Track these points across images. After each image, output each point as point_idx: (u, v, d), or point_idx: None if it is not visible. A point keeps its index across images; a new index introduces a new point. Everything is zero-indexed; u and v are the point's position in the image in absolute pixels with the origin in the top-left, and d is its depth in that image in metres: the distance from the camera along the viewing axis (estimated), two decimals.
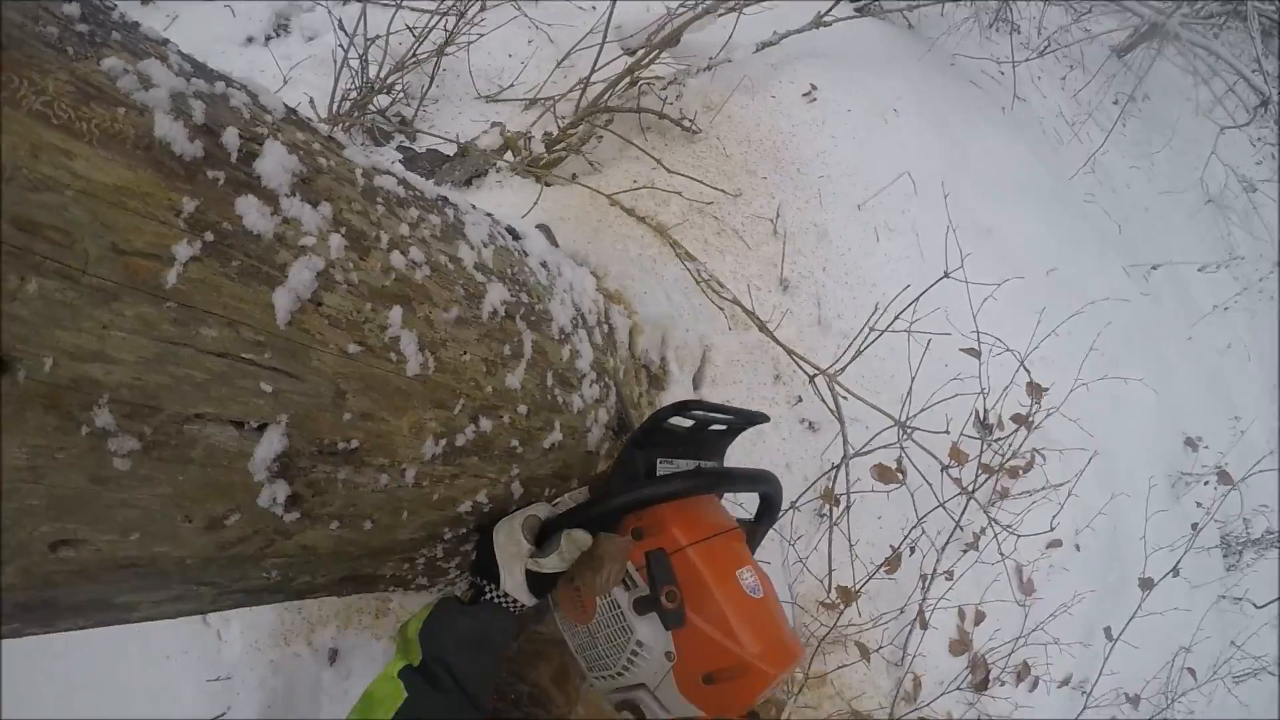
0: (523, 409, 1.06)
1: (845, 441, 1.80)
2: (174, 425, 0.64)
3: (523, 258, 1.20)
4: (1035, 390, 2.07)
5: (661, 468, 1.01)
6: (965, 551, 2.09)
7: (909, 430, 1.78)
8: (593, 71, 2.00)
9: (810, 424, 2.00)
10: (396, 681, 0.86)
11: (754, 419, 1.12)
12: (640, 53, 1.99)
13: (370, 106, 1.93)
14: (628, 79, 2.05)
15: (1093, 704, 2.24)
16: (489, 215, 1.23)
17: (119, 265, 0.56)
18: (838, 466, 1.82)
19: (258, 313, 0.69)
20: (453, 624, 0.93)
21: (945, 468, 1.86)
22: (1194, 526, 2.62)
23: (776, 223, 2.08)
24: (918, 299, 1.77)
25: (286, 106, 0.86)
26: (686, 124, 2.12)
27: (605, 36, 1.95)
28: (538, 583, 0.96)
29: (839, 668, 1.85)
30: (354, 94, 1.91)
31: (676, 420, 1.04)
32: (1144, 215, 3.52)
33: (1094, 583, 2.32)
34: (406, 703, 0.83)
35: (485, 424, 1.00)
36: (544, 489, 1.18)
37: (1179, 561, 2.37)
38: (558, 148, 1.92)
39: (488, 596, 0.96)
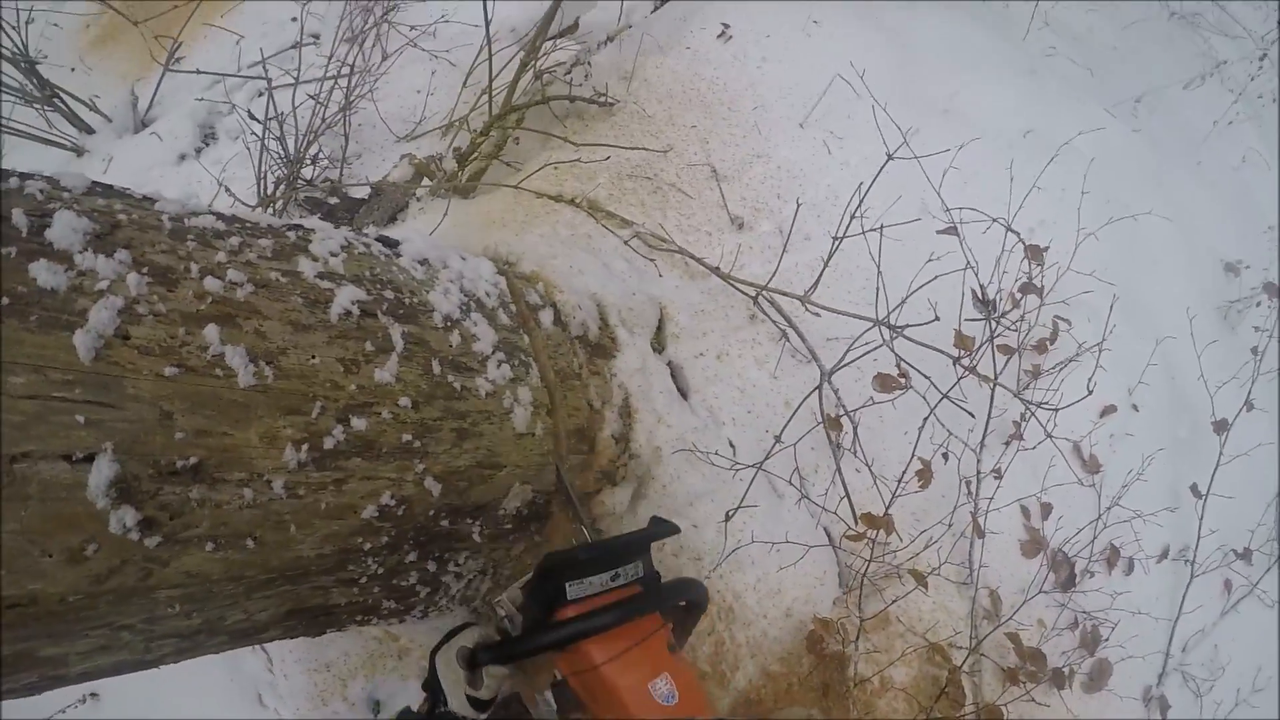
0: (405, 401, 1.04)
1: (816, 359, 1.70)
2: (3, 467, 0.69)
3: (389, 260, 1.19)
4: (1034, 252, 1.88)
5: (571, 590, 1.01)
6: (1008, 444, 1.91)
7: (897, 329, 1.64)
8: (491, 81, 2.01)
9: (800, 355, 1.90)
10: None
11: (652, 536, 1.13)
12: (531, 46, 1.97)
13: (299, 181, 2.00)
14: (531, 73, 2.04)
15: (1200, 571, 1.98)
16: (355, 232, 1.23)
17: None
18: (817, 387, 1.71)
19: (62, 355, 0.76)
20: None
21: (956, 359, 1.71)
22: (1254, 351, 2.32)
23: (715, 165, 2.01)
24: (867, 189, 1.65)
25: (96, 182, 0.94)
26: (601, 98, 2.08)
27: (489, 43, 1.95)
28: (479, 703, 1.03)
29: (893, 602, 1.71)
30: (280, 174, 1.99)
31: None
32: (1113, 54, 3.19)
33: (1163, 440, 2.07)
34: None
35: (359, 423, 0.98)
36: (470, 483, 1.15)
37: (1250, 392, 2.09)
38: (472, 160, 1.93)
39: (440, 710, 1.01)
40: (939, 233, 1.81)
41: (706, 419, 1.72)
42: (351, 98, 1.99)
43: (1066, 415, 1.92)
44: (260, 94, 2.24)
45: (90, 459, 0.75)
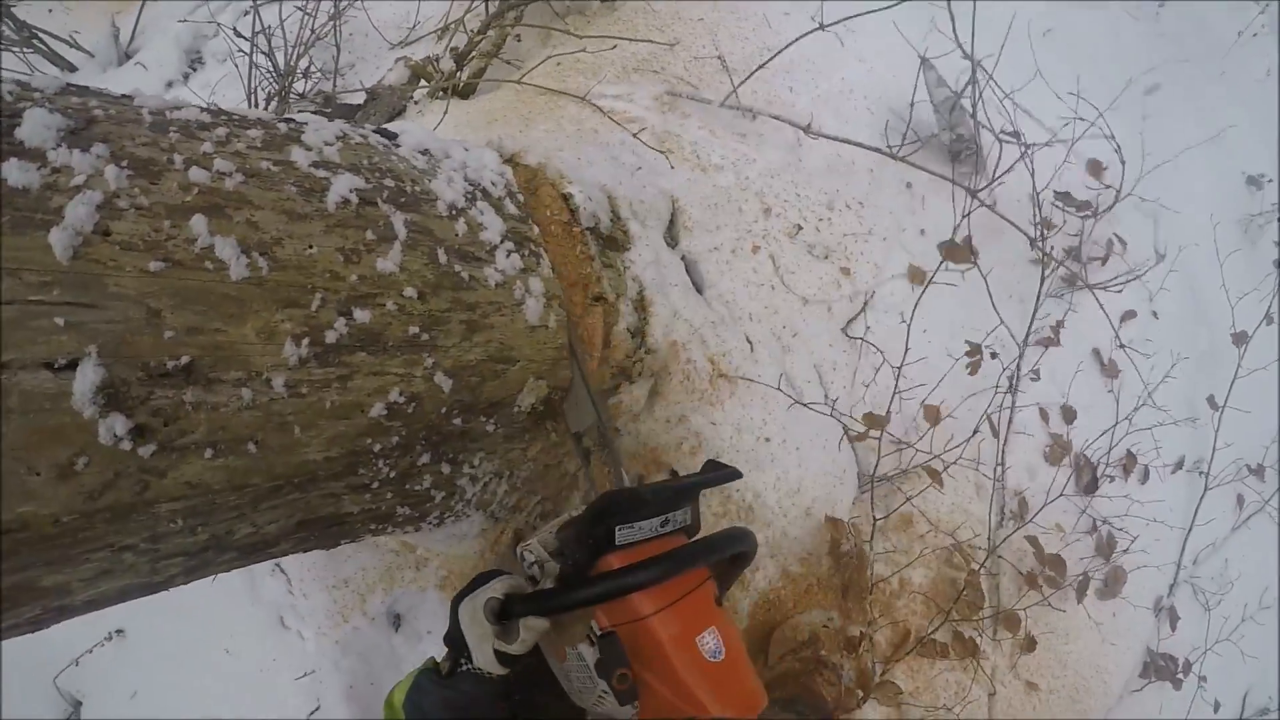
0: (410, 292, 0.99)
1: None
2: None
3: (388, 150, 1.11)
4: (1095, 169, 1.78)
5: (621, 534, 0.94)
6: (1045, 347, 1.85)
7: (975, 193, 1.55)
8: None
9: (812, 248, 1.82)
10: None
11: (723, 478, 1.06)
12: None
13: (290, 95, 1.89)
14: None
15: (1213, 484, 1.95)
16: (350, 124, 1.15)
17: None
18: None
19: (38, 255, 0.70)
20: (434, 697, 0.93)
21: (1035, 238, 1.62)
22: (1277, 265, 2.22)
23: (725, 57, 1.88)
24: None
25: (71, 83, 0.86)
26: None
27: None
28: (507, 658, 0.95)
29: (905, 501, 1.68)
30: (271, 90, 1.88)
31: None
32: None
33: (1182, 349, 2.00)
34: None
35: (361, 315, 0.93)
36: (482, 378, 1.10)
37: (1271, 307, 2.01)
38: (470, 59, 1.81)
39: (464, 668, 0.95)
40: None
41: (724, 313, 1.66)
42: (341, 6, 1.86)
43: (1088, 322, 1.87)
44: (246, 13, 2.11)
45: (73, 365, 0.70)
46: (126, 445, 0.74)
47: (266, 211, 0.88)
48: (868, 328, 1.73)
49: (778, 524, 1.68)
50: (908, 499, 1.67)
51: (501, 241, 1.16)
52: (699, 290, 1.68)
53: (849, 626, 1.68)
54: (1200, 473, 2.03)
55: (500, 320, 1.13)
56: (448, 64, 1.79)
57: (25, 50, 2.19)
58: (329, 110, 1.77)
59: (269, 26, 1.81)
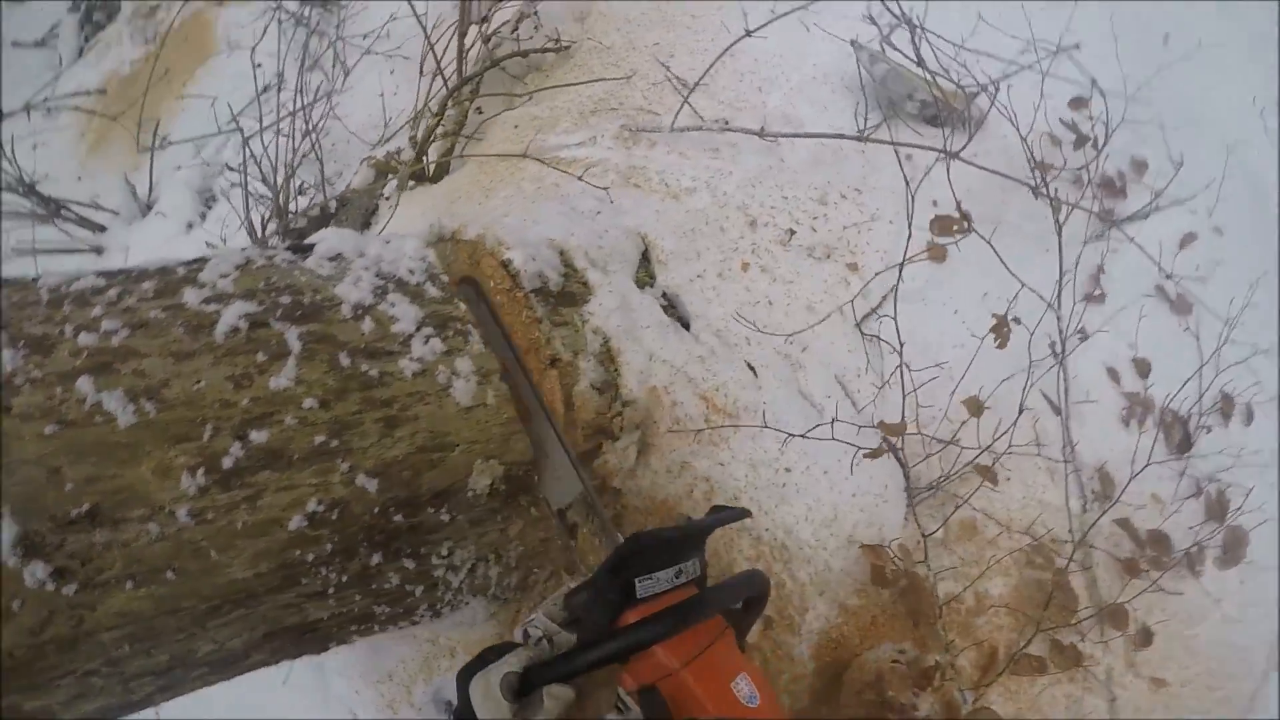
0: (311, 403, 1.05)
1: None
2: None
3: (293, 265, 1.19)
4: (1078, 105, 1.61)
5: (641, 586, 0.94)
6: (1086, 301, 1.65)
7: (952, 154, 1.45)
8: (438, 61, 1.99)
9: (811, 250, 1.74)
10: None
11: (731, 518, 1.05)
12: (461, 15, 1.93)
13: (290, 212, 2.09)
14: (477, 41, 2.00)
15: None
16: (261, 248, 1.26)
17: None
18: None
19: None
20: None
21: (1036, 185, 1.48)
22: None
23: (685, 76, 1.87)
24: None
25: None
26: (553, 43, 2.01)
27: (427, 29, 1.93)
28: None
29: (955, 510, 1.53)
30: (273, 213, 2.09)
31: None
32: None
33: (1257, 262, 1.70)
34: None
35: (258, 436, 1.00)
36: (415, 471, 1.14)
37: None
38: (432, 141, 1.92)
39: None
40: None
41: (714, 345, 1.62)
42: (313, 123, 2.05)
43: (1141, 261, 1.66)
44: (248, 145, 2.37)
45: None
46: (51, 586, 0.85)
47: (153, 358, 0.98)
48: (881, 321, 1.62)
49: (818, 558, 1.58)
50: (958, 505, 1.53)
51: (418, 329, 1.20)
52: (686, 325, 1.66)
53: (925, 657, 1.55)
54: None
55: (425, 409, 1.17)
56: (408, 154, 1.90)
57: (57, 221, 2.56)
58: (328, 220, 1.94)
59: (256, 156, 2.02)
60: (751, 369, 1.64)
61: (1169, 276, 1.71)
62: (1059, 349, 1.59)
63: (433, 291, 1.29)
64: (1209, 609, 1.53)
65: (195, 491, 0.96)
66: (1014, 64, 1.77)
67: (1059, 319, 1.61)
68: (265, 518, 1.01)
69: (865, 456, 1.49)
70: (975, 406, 1.58)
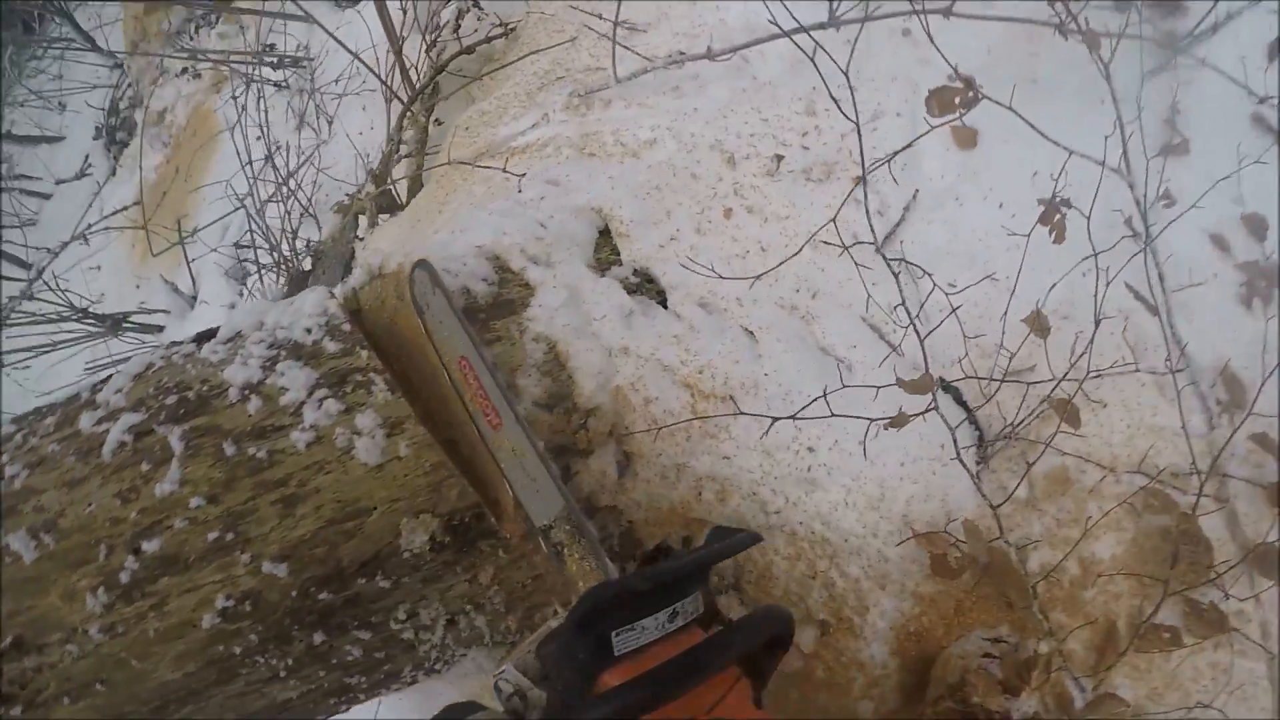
0: (197, 501, 1.18)
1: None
2: None
3: (188, 359, 1.34)
4: None
5: (619, 642, 0.88)
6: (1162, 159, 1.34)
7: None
8: (387, 85, 2.10)
9: (808, 172, 1.59)
10: None
11: (735, 547, 1.03)
12: (390, 36, 2.02)
13: (297, 274, 2.33)
14: (427, 56, 2.09)
15: None
16: (170, 346, 1.42)
17: None
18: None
19: None
20: None
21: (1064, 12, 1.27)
22: None
23: (632, 20, 1.80)
24: None
25: None
26: (497, 31, 2.04)
27: (383, 58, 2.05)
28: None
29: (1034, 464, 1.34)
30: (287, 278, 2.34)
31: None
32: None
33: None
34: None
35: (150, 545, 1.16)
36: (330, 546, 1.23)
37: None
38: (395, 164, 2.03)
39: None
40: None
41: (697, 317, 1.55)
42: (298, 184, 2.26)
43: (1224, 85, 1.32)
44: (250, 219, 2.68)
45: None
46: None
47: (50, 491, 1.17)
48: (903, 246, 1.45)
49: (869, 548, 1.47)
50: (1035, 457, 1.34)
51: (310, 394, 1.29)
52: (664, 303, 1.60)
53: (1026, 644, 1.40)
54: None
55: (327, 479, 1.26)
56: (369, 187, 2.03)
57: (118, 335, 3.05)
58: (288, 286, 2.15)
59: (263, 228, 2.27)
60: (750, 334, 1.56)
61: (1263, 101, 1.35)
62: (1141, 226, 1.32)
63: (331, 347, 1.37)
64: None
65: (100, 609, 1.13)
66: None
67: (1132, 186, 1.33)
68: (176, 621, 1.17)
69: (886, 427, 1.35)
70: (1037, 324, 1.37)
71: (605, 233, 1.66)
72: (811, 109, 1.64)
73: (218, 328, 1.43)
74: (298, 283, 2.19)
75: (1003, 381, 1.38)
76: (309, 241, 2.34)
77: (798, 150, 1.62)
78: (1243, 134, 1.36)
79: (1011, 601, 1.42)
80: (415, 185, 2.05)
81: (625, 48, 1.75)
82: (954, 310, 1.40)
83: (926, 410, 1.38)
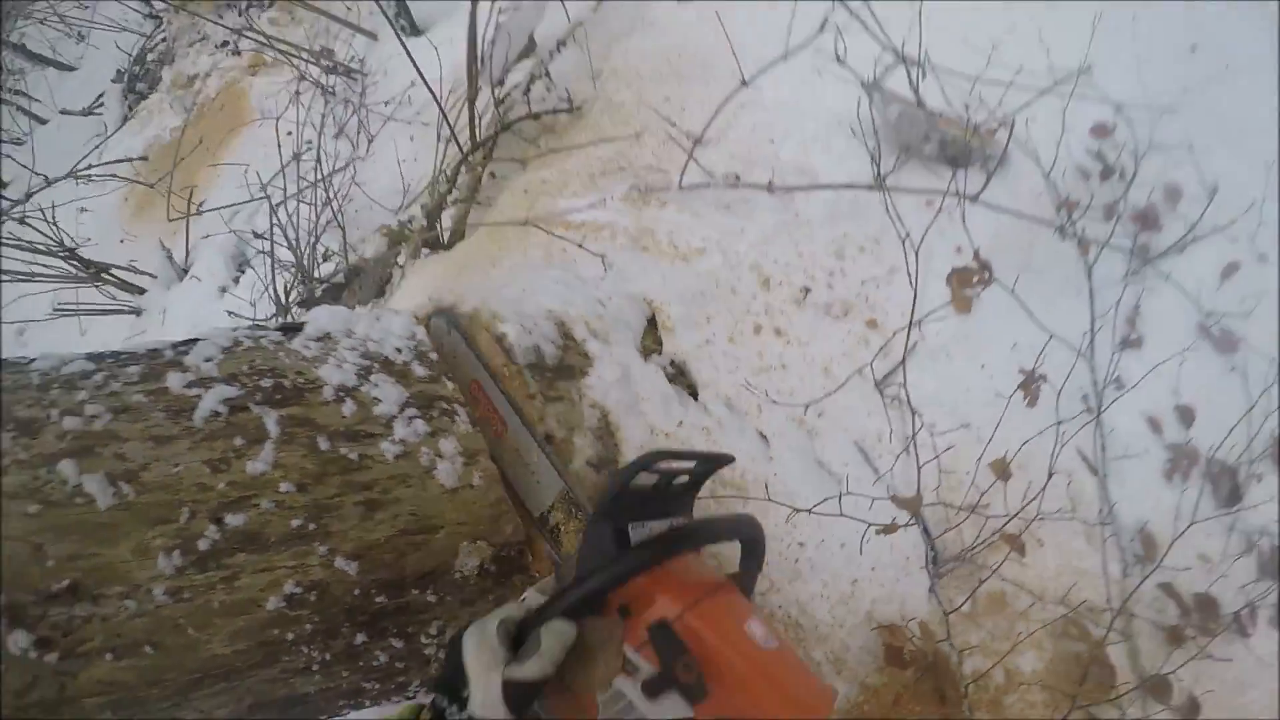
0: (288, 487, 1.12)
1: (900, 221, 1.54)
2: None
3: (279, 347, 1.29)
4: (1101, 132, 1.62)
5: (634, 534, 0.92)
6: (1119, 351, 1.61)
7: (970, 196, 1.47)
8: (452, 127, 2.12)
9: (829, 308, 1.76)
10: None
11: (718, 461, 1.06)
12: (469, 80, 2.06)
13: (315, 279, 2.24)
14: (492, 104, 2.13)
15: None
16: (253, 328, 1.36)
17: None
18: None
19: None
20: None
21: (1062, 220, 1.49)
22: None
23: (695, 131, 1.94)
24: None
25: None
26: (565, 106, 2.12)
27: (443, 96, 2.07)
28: (520, 695, 0.82)
29: (981, 583, 1.50)
30: (297, 279, 2.24)
31: (640, 481, 0.99)
32: None
33: None
34: None
35: (234, 519, 1.08)
36: (398, 553, 1.20)
37: None
38: (446, 209, 2.04)
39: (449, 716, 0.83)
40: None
41: (723, 415, 1.65)
42: (334, 192, 2.21)
43: (1179, 298, 1.63)
44: (279, 209, 2.56)
45: None
46: (33, 654, 0.94)
47: (134, 442, 1.07)
48: (904, 384, 1.62)
49: (835, 637, 1.57)
50: (986, 576, 1.50)
51: (401, 411, 1.27)
52: (695, 395, 1.69)
53: None
54: None
55: (408, 492, 1.23)
56: (420, 222, 2.02)
57: (98, 284, 2.80)
58: (320, 293, 2.07)
59: (283, 223, 2.18)
60: (764, 438, 1.66)
61: (1211, 313, 1.66)
62: (1094, 402, 1.56)
63: (419, 371, 1.36)
64: (1261, 672, 1.45)
65: (172, 571, 1.03)
66: (1032, 89, 1.75)
67: (1093, 369, 1.57)
68: (243, 598, 1.09)
69: (878, 533, 1.48)
70: (1001, 469, 1.56)
71: (651, 321, 1.74)
72: (840, 253, 1.81)
73: (303, 323, 1.38)
74: (331, 293, 2.10)
75: (971, 511, 1.54)
76: (326, 250, 2.26)
77: (823, 287, 1.78)
78: (1188, 339, 1.63)
79: (945, 698, 1.53)
80: (459, 229, 2.05)
81: (693, 159, 1.87)
82: (939, 454, 1.56)
83: (909, 524, 1.53)
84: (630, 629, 0.87)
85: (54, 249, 2.65)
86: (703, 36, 2.14)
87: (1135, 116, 1.74)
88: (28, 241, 2.62)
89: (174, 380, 1.16)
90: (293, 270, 2.21)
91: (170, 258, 2.90)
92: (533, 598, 0.95)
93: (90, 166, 3.18)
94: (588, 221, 1.88)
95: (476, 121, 2.06)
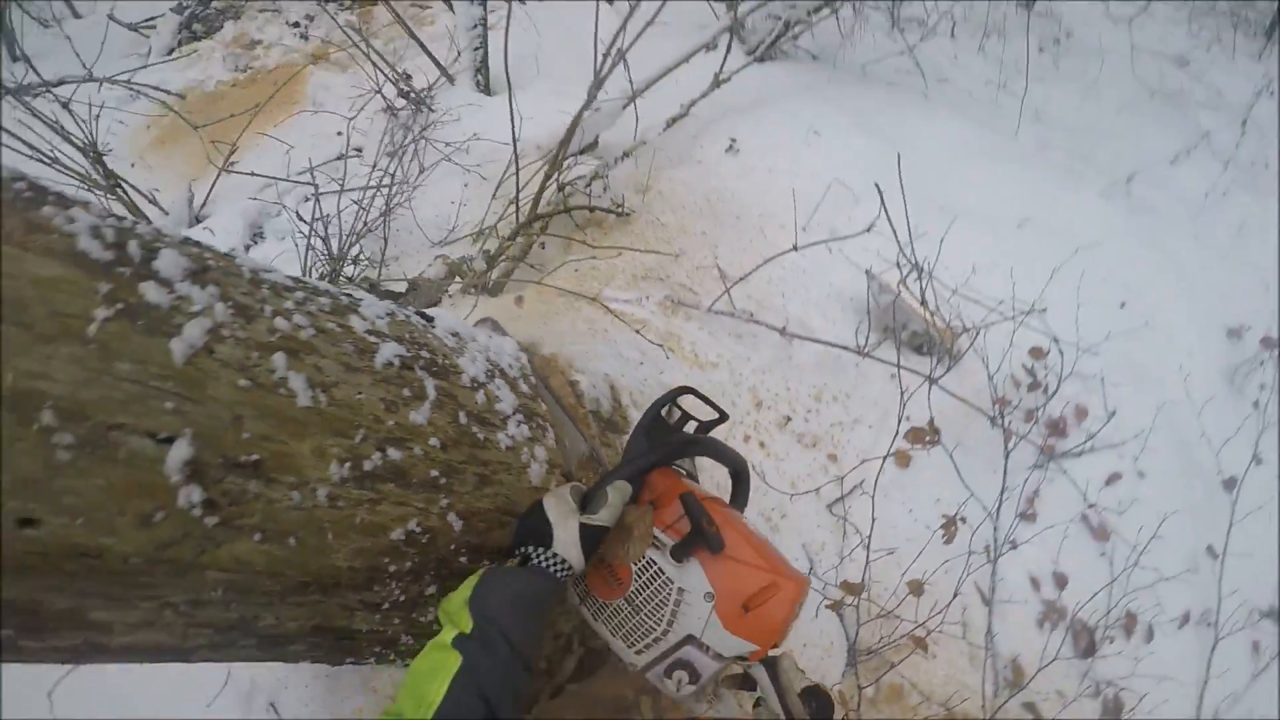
0: (435, 442, 1.27)
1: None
2: (101, 431, 0.88)
3: (426, 328, 1.45)
4: (1037, 354, 2.16)
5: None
6: (1020, 517, 2.07)
7: (933, 379, 1.87)
8: (519, 190, 2.37)
9: (801, 437, 2.11)
10: (448, 650, 0.95)
11: (722, 414, 1.37)
12: (554, 161, 2.35)
13: (340, 278, 2.33)
14: (554, 187, 2.41)
15: (1224, 633, 2.06)
16: (396, 305, 1.52)
17: (56, 321, 0.87)
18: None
19: (159, 355, 0.96)
20: (504, 586, 1.03)
21: (994, 416, 1.92)
22: (1255, 405, 2.48)
23: (723, 268, 2.32)
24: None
25: (187, 237, 1.22)
26: (618, 209, 2.44)
27: (517, 161, 2.33)
28: (589, 539, 1.10)
29: (890, 669, 1.82)
30: (323, 271, 2.33)
31: (665, 414, 1.28)
32: (1105, 140, 3.57)
33: (1176, 504, 2.22)
34: (463, 668, 0.92)
35: (394, 454, 1.21)
36: (489, 525, 1.35)
37: (1257, 447, 2.26)
38: (500, 261, 2.25)
39: (535, 561, 1.08)
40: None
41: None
42: (391, 204, 2.36)
43: (1071, 490, 2.11)
44: (307, 199, 2.63)
45: (171, 440, 0.94)
46: (197, 512, 0.96)
47: (329, 360, 1.19)
48: (847, 509, 1.97)
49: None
50: (890, 667, 1.81)
51: (514, 413, 1.45)
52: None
53: None
54: (1209, 624, 2.13)
55: (508, 479, 1.39)
56: (480, 264, 2.23)
57: (109, 196, 2.68)
58: (377, 290, 2.18)
59: (327, 214, 2.28)
60: None
61: (1092, 506, 2.16)
62: (993, 552, 1.97)
63: (524, 388, 1.56)
64: None
65: (337, 480, 1.13)
66: (996, 312, 2.27)
67: (996, 528, 2.00)
68: (378, 522, 1.20)
69: (827, 607, 1.77)
70: (917, 588, 1.90)
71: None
72: (819, 397, 2.19)
73: (432, 315, 1.55)
74: (389, 298, 2.18)
75: (889, 614, 1.86)
76: (359, 253, 2.33)
77: (801, 419, 2.13)
78: (1072, 523, 2.09)
79: None
80: (502, 282, 2.25)
81: (728, 295, 2.22)
82: (870, 563, 1.91)
83: (853, 603, 1.82)
84: (657, 515, 1.13)
85: (86, 146, 2.52)
86: (739, 188, 2.57)
87: (1066, 349, 2.28)
88: (55, 123, 2.49)
89: (356, 323, 1.30)
90: (325, 260, 2.29)
91: (190, 201, 2.83)
92: (575, 483, 1.22)
93: (129, 81, 3.08)
94: (626, 313, 2.16)
95: (540, 196, 2.33)
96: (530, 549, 1.08)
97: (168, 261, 1.03)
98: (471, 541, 1.33)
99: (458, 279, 2.24)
